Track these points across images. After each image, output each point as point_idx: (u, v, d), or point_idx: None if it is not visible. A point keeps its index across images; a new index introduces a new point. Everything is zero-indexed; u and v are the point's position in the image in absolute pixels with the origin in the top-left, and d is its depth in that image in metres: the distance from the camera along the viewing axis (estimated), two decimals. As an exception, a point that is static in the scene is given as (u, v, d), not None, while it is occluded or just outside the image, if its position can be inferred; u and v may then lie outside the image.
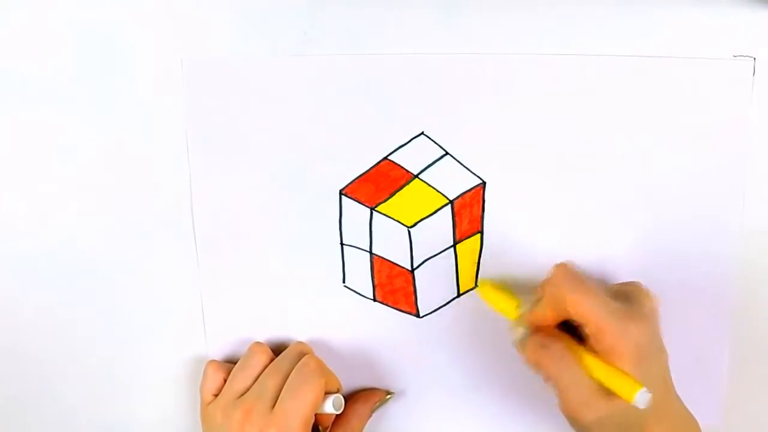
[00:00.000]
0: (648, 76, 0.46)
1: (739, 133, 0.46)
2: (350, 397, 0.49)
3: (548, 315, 0.42)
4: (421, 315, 0.49)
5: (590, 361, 0.40)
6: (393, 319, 0.49)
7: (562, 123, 0.46)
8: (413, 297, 0.49)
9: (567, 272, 0.42)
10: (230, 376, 0.47)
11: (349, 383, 0.50)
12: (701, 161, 0.47)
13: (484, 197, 0.47)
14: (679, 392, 0.43)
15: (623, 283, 0.46)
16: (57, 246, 0.48)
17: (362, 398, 0.49)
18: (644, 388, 0.38)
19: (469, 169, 0.47)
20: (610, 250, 0.48)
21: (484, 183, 0.47)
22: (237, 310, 0.49)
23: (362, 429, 0.49)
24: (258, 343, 0.48)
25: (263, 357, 0.47)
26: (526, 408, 0.50)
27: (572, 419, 0.41)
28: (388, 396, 0.50)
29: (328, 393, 0.45)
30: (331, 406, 0.45)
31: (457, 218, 0.48)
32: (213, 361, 0.49)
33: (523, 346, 0.43)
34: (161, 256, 0.48)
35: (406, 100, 0.46)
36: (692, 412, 0.44)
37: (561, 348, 0.41)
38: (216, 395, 0.47)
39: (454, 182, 0.47)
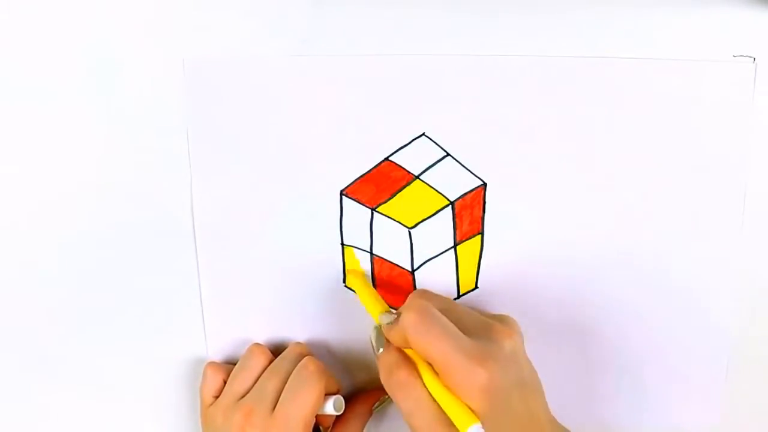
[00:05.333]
0: (648, 77, 0.46)
1: (740, 134, 0.47)
2: (350, 398, 0.49)
3: (400, 342, 0.41)
4: (421, 315, 0.49)
5: (435, 388, 0.40)
6: (393, 319, 0.49)
7: (562, 125, 0.46)
8: (413, 298, 0.49)
9: (415, 317, 0.40)
10: (230, 378, 0.47)
11: (349, 383, 0.50)
12: (702, 162, 0.47)
13: (485, 198, 0.47)
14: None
15: (491, 316, 0.44)
16: (57, 246, 0.48)
17: (362, 398, 0.50)
18: (478, 424, 0.37)
19: (470, 171, 0.47)
20: (610, 251, 0.48)
21: (485, 184, 0.47)
22: (237, 311, 0.49)
23: (362, 429, 0.49)
24: (257, 344, 0.48)
25: (262, 358, 0.47)
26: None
27: None
28: (387, 396, 0.50)
29: (328, 394, 0.45)
30: (331, 407, 0.45)
31: (457, 219, 0.48)
32: (212, 362, 0.49)
33: (377, 356, 0.43)
34: (161, 256, 0.48)
35: (407, 100, 0.46)
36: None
37: (406, 376, 0.40)
38: (216, 397, 0.47)
39: (455, 183, 0.47)
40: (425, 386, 0.40)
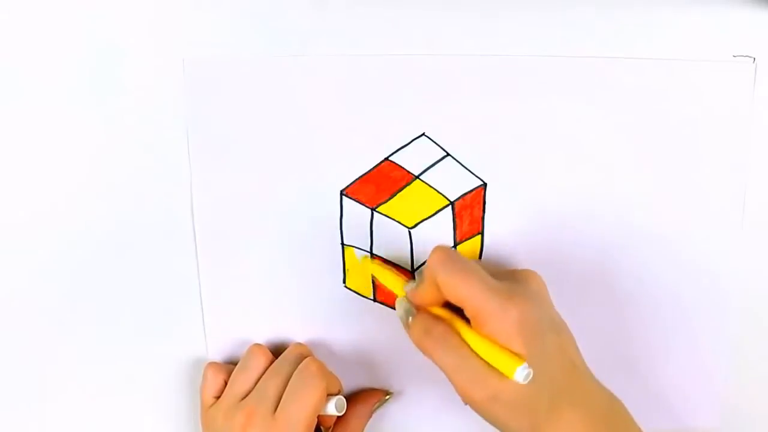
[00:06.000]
0: (648, 77, 0.46)
1: (740, 133, 0.47)
2: (350, 398, 0.49)
3: (430, 297, 0.42)
4: (421, 315, 0.49)
5: (474, 339, 0.39)
6: (393, 319, 0.49)
7: (562, 125, 0.46)
8: (414, 298, 0.49)
9: (442, 255, 0.41)
10: (230, 379, 0.47)
11: (350, 383, 0.50)
12: (702, 162, 0.47)
13: (484, 198, 0.47)
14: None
15: (513, 269, 0.45)
16: (57, 246, 0.48)
17: (362, 399, 0.50)
18: (525, 364, 0.37)
19: (470, 171, 0.47)
20: (610, 250, 0.48)
21: (485, 184, 0.47)
22: (237, 311, 0.49)
23: (363, 429, 0.49)
24: (257, 344, 0.48)
25: (263, 359, 0.47)
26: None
27: (467, 401, 0.40)
28: (388, 396, 0.50)
29: (330, 394, 0.45)
30: (333, 408, 0.45)
31: (457, 219, 0.48)
32: (212, 363, 0.48)
33: (408, 325, 0.43)
34: (161, 256, 0.48)
35: (407, 100, 0.46)
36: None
37: (443, 330, 0.41)
38: (217, 397, 0.47)
39: (454, 183, 0.47)
40: (463, 338, 0.40)
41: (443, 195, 0.47)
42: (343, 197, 0.47)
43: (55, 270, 0.48)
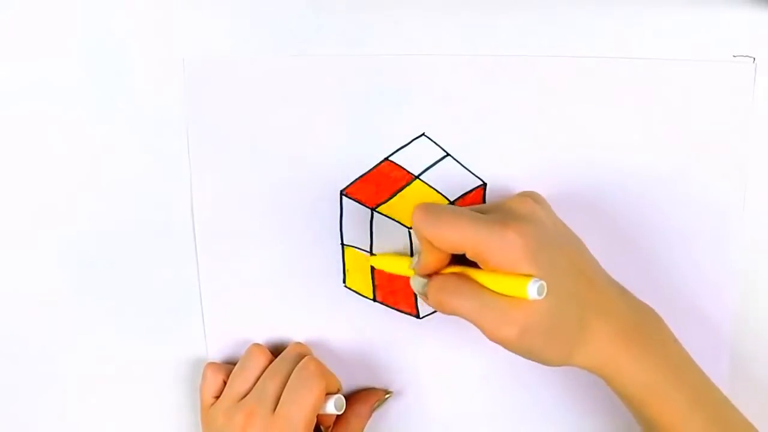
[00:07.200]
0: (648, 77, 0.46)
1: (739, 134, 0.46)
2: (349, 398, 0.49)
3: (433, 261, 0.41)
4: (421, 316, 0.49)
5: (483, 277, 0.39)
6: (393, 319, 0.49)
7: (561, 125, 0.46)
8: (413, 298, 0.49)
9: (422, 212, 0.40)
10: (230, 379, 0.47)
11: (349, 383, 0.50)
12: (702, 162, 0.47)
13: (484, 198, 0.47)
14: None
15: (506, 199, 0.44)
16: (56, 246, 0.48)
17: (361, 398, 0.49)
18: (534, 278, 0.36)
19: (469, 171, 0.47)
20: (611, 251, 0.48)
21: (484, 184, 0.47)
22: (237, 311, 0.49)
23: (362, 429, 0.49)
24: (256, 344, 0.48)
25: (262, 358, 0.47)
26: (526, 407, 0.50)
27: (503, 342, 0.39)
28: (387, 395, 0.50)
29: (329, 394, 0.45)
30: (332, 407, 0.45)
31: (457, 219, 0.48)
32: (212, 363, 0.48)
33: (425, 295, 0.42)
34: (161, 256, 0.48)
35: (407, 100, 0.46)
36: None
37: (455, 281, 0.40)
38: (217, 397, 0.47)
39: (454, 183, 0.47)
40: (477, 282, 0.39)
41: (443, 195, 0.47)
42: (343, 197, 0.48)
43: (55, 270, 0.48)
